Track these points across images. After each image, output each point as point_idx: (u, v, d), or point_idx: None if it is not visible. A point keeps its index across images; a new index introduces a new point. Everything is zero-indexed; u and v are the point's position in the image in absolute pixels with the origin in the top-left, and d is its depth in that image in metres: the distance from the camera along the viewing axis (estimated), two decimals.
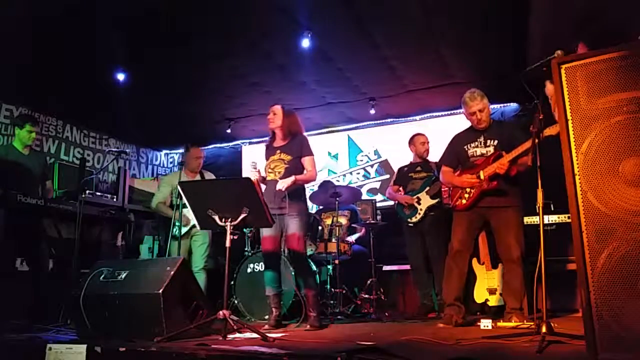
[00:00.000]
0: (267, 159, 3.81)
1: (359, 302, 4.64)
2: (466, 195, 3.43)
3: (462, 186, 3.45)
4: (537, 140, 2.60)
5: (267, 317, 3.72)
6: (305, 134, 3.88)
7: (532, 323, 2.93)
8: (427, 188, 4.50)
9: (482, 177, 3.33)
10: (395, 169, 5.04)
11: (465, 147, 3.53)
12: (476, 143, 3.49)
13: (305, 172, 3.66)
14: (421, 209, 4.46)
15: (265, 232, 3.64)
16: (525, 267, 3.30)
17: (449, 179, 3.60)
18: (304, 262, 3.70)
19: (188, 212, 4.04)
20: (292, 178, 3.52)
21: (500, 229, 3.37)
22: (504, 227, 3.34)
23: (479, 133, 3.49)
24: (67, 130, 6.21)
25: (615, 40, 1.94)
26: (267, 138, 3.80)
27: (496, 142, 3.41)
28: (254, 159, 3.77)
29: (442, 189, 4.41)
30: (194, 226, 4.52)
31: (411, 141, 4.78)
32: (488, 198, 3.35)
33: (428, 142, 4.73)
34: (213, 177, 4.84)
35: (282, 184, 3.50)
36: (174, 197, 4.65)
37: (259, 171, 3.66)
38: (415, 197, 4.51)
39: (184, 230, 4.45)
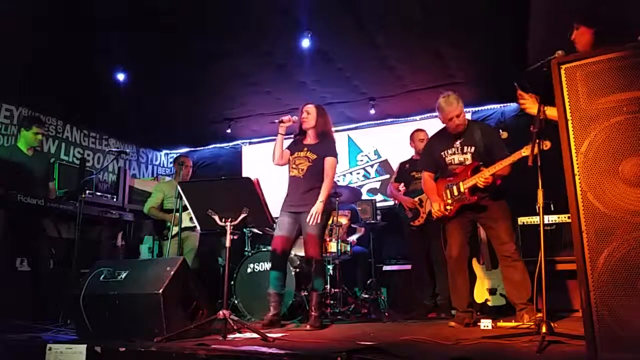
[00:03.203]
0: (292, 152, 3.72)
1: (359, 302, 4.64)
2: (448, 207, 3.39)
3: (434, 212, 3.43)
4: (537, 141, 2.59)
5: None
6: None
7: (532, 323, 2.94)
8: None
9: (462, 189, 3.31)
10: (396, 168, 5.00)
11: (443, 153, 3.47)
12: (453, 150, 3.43)
13: (326, 176, 3.62)
14: (424, 212, 4.37)
15: (278, 230, 3.57)
16: (525, 267, 3.30)
17: (429, 191, 3.57)
18: (318, 268, 3.61)
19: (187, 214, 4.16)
20: (319, 206, 3.46)
21: (490, 226, 3.37)
22: (494, 224, 3.33)
23: (455, 138, 3.43)
24: (67, 130, 6.21)
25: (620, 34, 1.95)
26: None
27: (473, 149, 3.38)
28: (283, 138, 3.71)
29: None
30: (184, 229, 4.65)
31: (411, 137, 4.72)
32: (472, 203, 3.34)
33: (423, 141, 4.54)
34: None
35: (313, 219, 3.45)
36: (165, 202, 4.92)
37: (290, 119, 3.63)
38: (417, 198, 4.44)
39: (175, 231, 4.56)
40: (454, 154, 3.43)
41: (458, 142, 3.42)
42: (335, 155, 3.67)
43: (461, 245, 3.39)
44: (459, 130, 3.41)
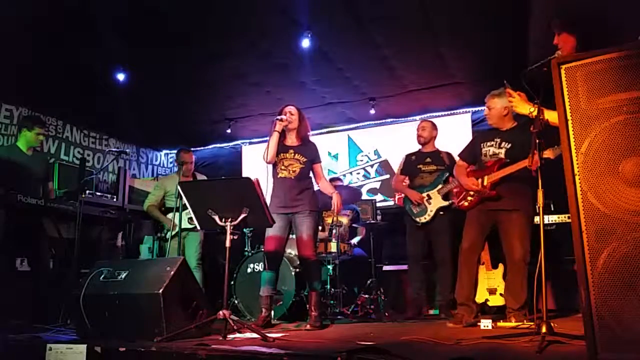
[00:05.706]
0: (276, 153, 3.69)
1: (359, 302, 4.64)
2: (469, 199, 3.47)
3: (465, 188, 3.48)
4: (537, 141, 2.60)
5: None
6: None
7: (532, 323, 2.94)
8: (440, 186, 4.25)
9: (485, 183, 3.35)
10: (402, 160, 4.70)
11: (482, 144, 3.54)
12: (492, 143, 3.48)
13: (320, 179, 3.79)
14: (431, 210, 4.22)
15: (270, 231, 3.57)
16: (526, 275, 3.29)
17: (458, 174, 3.66)
18: (315, 268, 3.64)
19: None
20: (338, 197, 3.67)
21: (505, 230, 3.37)
22: (509, 229, 3.34)
23: (498, 133, 3.48)
24: (67, 130, 6.21)
25: (612, 40, 1.95)
26: (266, 138, 3.75)
27: (509, 145, 3.38)
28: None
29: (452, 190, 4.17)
30: (182, 230, 4.62)
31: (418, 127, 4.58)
32: (496, 201, 3.35)
33: (425, 129, 4.47)
34: (205, 178, 4.97)
35: (336, 207, 3.68)
36: (167, 200, 4.87)
37: (285, 120, 3.65)
38: (425, 194, 4.28)
39: (173, 232, 4.57)
40: (492, 146, 3.48)
41: (499, 138, 3.47)
42: (321, 160, 3.82)
43: (473, 239, 3.40)
44: (488, 122, 3.54)
